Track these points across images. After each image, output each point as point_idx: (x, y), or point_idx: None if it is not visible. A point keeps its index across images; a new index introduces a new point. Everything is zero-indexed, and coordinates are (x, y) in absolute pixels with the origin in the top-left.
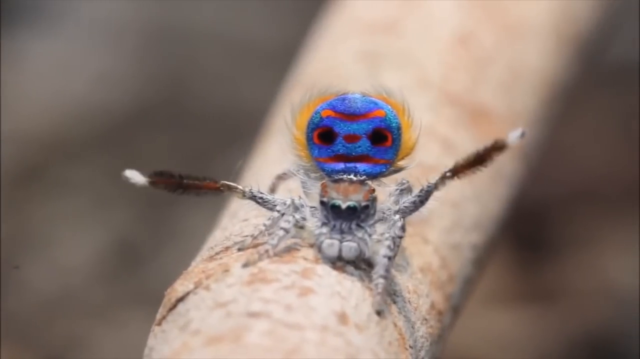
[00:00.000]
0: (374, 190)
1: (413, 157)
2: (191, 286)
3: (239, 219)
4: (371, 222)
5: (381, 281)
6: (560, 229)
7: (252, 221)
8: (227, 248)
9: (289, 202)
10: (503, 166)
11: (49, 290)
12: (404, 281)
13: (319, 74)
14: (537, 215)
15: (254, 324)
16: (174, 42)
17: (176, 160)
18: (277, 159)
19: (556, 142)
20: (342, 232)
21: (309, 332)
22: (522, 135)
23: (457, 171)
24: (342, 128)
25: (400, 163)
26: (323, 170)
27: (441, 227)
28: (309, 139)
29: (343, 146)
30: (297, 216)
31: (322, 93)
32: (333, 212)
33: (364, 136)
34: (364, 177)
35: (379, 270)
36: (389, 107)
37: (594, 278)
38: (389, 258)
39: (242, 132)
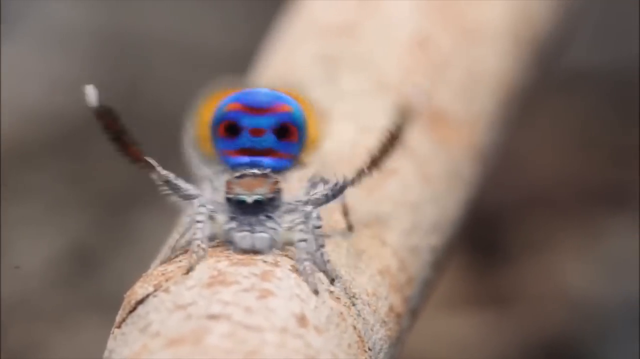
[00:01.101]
0: (278, 182)
1: (319, 153)
2: (151, 289)
3: None
4: (279, 213)
5: (306, 263)
6: (515, 233)
7: None
8: (186, 251)
9: (199, 195)
10: (461, 169)
11: (5, 294)
12: (363, 284)
13: (277, 78)
14: (492, 220)
15: (213, 326)
16: (127, 48)
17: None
18: None
19: (511, 148)
20: (251, 225)
21: (268, 334)
22: (424, 95)
23: (374, 163)
24: (248, 122)
25: (306, 158)
26: (228, 164)
27: (400, 230)
28: (214, 132)
29: (248, 139)
30: (209, 207)
31: (227, 86)
32: (240, 208)
33: (269, 130)
34: (268, 171)
35: (300, 256)
36: (296, 102)
37: (549, 283)
38: (304, 241)
39: None
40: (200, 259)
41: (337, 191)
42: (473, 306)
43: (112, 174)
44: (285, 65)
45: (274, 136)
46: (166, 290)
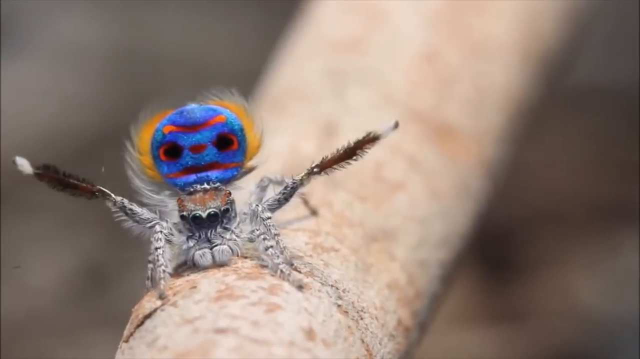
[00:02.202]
0: (230, 193)
1: (262, 155)
2: (158, 303)
3: None
4: (235, 224)
5: (281, 266)
6: (527, 249)
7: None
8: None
9: (155, 218)
10: (469, 183)
11: (17, 311)
12: (371, 297)
13: (285, 93)
14: (504, 235)
15: (221, 340)
16: (139, 65)
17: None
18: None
19: (522, 163)
20: (209, 240)
21: (276, 348)
22: (395, 126)
23: (325, 165)
24: (186, 140)
25: (251, 163)
26: (176, 185)
27: (408, 244)
28: (156, 157)
29: (190, 157)
30: (165, 231)
31: (159, 110)
32: (196, 224)
33: (209, 144)
34: (217, 184)
35: (272, 261)
36: (228, 110)
37: (560, 298)
38: (271, 247)
39: None
40: (168, 285)
41: (289, 194)
42: (484, 321)
43: (123, 191)
44: (293, 80)
45: (215, 148)
46: (174, 304)
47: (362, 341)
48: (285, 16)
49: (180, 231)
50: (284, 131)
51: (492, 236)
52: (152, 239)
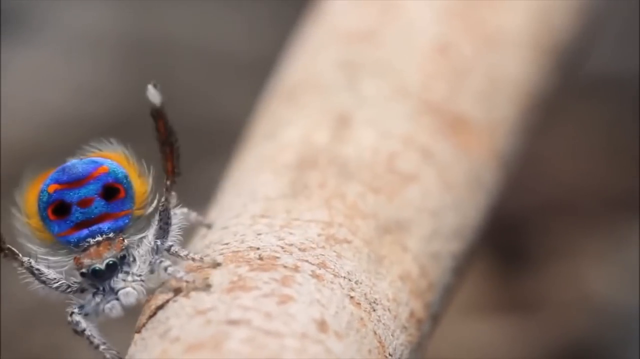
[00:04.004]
0: (123, 239)
1: (151, 200)
2: (171, 294)
3: (218, 227)
4: (136, 267)
5: (186, 277)
6: (539, 239)
7: (231, 229)
8: (207, 256)
9: (60, 278)
10: (482, 175)
11: (27, 301)
12: (384, 289)
13: (298, 84)
14: (516, 226)
15: (233, 331)
16: (152, 54)
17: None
18: (254, 169)
19: (534, 154)
20: (113, 290)
21: (288, 339)
22: (154, 86)
23: (169, 173)
24: (73, 196)
25: (141, 209)
26: (69, 243)
27: (420, 236)
28: (45, 218)
29: (80, 212)
30: (76, 311)
31: (39, 172)
32: (97, 277)
33: (96, 196)
34: (110, 234)
35: (175, 276)
36: (110, 160)
37: (572, 289)
38: (169, 266)
39: (220, 143)
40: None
41: (166, 218)
42: (497, 312)
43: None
44: (306, 72)
45: (102, 200)
46: (186, 295)
47: (375, 333)
48: (299, 5)
49: (84, 290)
50: (297, 122)
51: (504, 226)
52: (73, 326)
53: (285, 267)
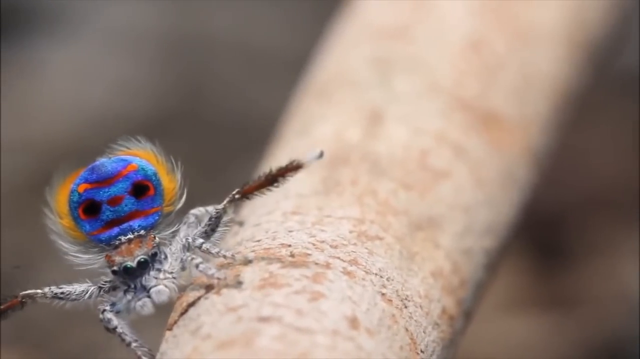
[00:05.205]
0: (154, 237)
1: (181, 196)
2: (202, 291)
3: (250, 224)
4: (167, 264)
5: (217, 274)
6: (577, 235)
7: (263, 226)
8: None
9: (89, 287)
10: (515, 171)
11: None
12: (416, 286)
13: (331, 80)
14: (554, 222)
15: (264, 328)
16: (192, 50)
17: (194, 167)
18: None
19: (572, 149)
20: (145, 288)
21: (319, 336)
22: (320, 155)
23: (247, 191)
24: (103, 195)
25: (170, 206)
26: (101, 241)
27: (453, 233)
28: (76, 218)
29: (110, 211)
30: (108, 308)
31: (69, 173)
32: (128, 274)
33: (125, 194)
34: (141, 231)
35: (206, 273)
36: (138, 158)
37: (611, 285)
38: (200, 263)
39: (258, 139)
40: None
41: (214, 224)
42: (535, 308)
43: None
44: (339, 68)
45: (132, 197)
46: (218, 292)
47: (406, 330)
48: (339, 1)
49: (116, 288)
50: (329, 118)
51: (541, 222)
52: (103, 323)
53: (316, 264)
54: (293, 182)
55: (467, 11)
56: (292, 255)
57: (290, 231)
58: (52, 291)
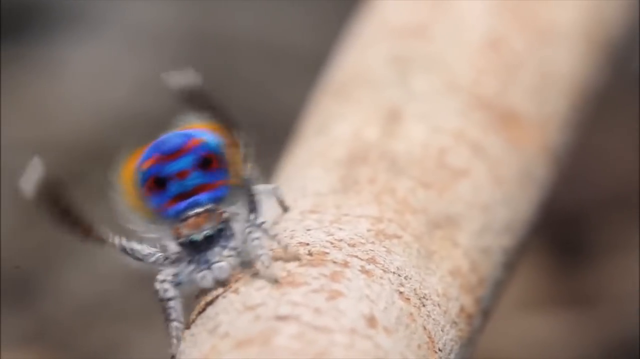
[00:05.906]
0: (223, 212)
1: (246, 168)
2: (220, 290)
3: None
4: (234, 241)
5: (263, 257)
6: (596, 233)
7: (281, 224)
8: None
9: (156, 252)
10: (533, 170)
11: (87, 295)
12: (434, 284)
13: (349, 79)
14: (572, 220)
15: (282, 327)
16: (213, 48)
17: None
18: (305, 164)
19: (590, 147)
20: (207, 262)
21: (337, 335)
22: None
23: (231, 145)
24: (168, 170)
25: (237, 178)
26: (168, 216)
27: (471, 231)
28: (143, 194)
29: (177, 185)
30: (169, 278)
31: (134, 149)
32: (194, 248)
33: (192, 168)
34: (209, 205)
35: (256, 252)
36: (205, 130)
37: (630, 283)
38: (257, 239)
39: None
40: (180, 342)
41: (248, 191)
42: (554, 306)
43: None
44: (358, 66)
45: (199, 171)
46: (235, 291)
47: (424, 328)
48: (359, 0)
49: (180, 260)
50: (348, 117)
51: (561, 220)
52: (158, 289)
53: (334, 263)
54: (311, 181)
55: (486, 9)
56: (310, 254)
57: (308, 230)
58: (121, 244)
